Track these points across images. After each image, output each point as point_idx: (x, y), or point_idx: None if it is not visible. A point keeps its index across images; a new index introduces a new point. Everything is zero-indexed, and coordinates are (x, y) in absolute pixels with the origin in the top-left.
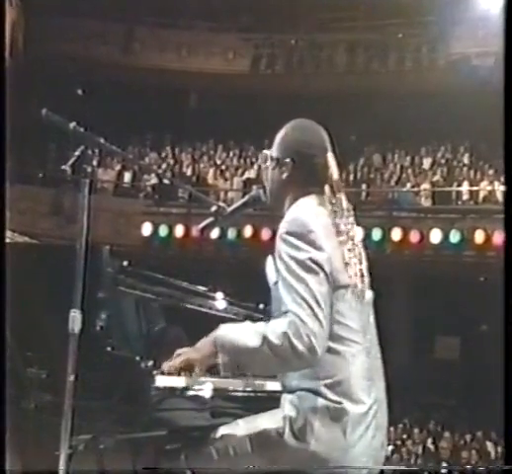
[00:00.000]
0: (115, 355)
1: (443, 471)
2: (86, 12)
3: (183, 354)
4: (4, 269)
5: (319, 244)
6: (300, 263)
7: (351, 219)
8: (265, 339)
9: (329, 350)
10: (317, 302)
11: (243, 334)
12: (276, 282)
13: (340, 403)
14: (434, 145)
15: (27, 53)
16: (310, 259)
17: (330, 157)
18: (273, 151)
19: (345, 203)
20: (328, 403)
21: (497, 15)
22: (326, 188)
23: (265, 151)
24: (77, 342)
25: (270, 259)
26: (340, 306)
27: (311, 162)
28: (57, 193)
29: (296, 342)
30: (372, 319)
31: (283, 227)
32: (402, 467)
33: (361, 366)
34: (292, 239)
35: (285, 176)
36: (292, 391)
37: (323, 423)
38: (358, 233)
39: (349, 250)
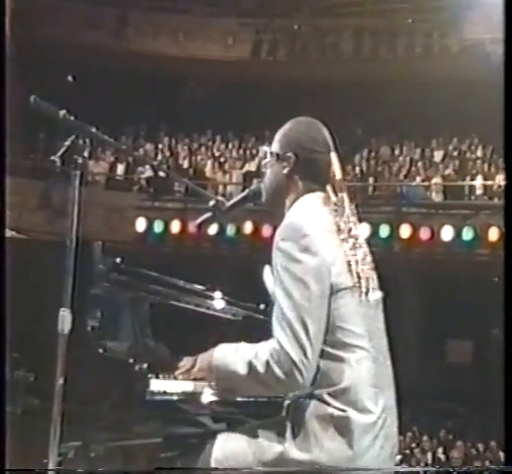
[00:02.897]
0: (107, 358)
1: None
2: None
3: (187, 366)
4: (4, 266)
5: (315, 249)
6: (293, 276)
7: (353, 218)
8: (251, 366)
9: (332, 356)
10: (303, 325)
11: (235, 358)
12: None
13: (344, 411)
14: (446, 137)
15: (13, 37)
16: (304, 271)
17: (334, 156)
18: (273, 147)
19: (347, 203)
20: (332, 410)
21: None
22: (328, 187)
23: (264, 147)
24: (67, 343)
25: (267, 268)
26: (342, 311)
27: (314, 159)
28: (46, 185)
29: (277, 370)
30: (380, 323)
31: (278, 234)
32: (403, 468)
33: (367, 373)
34: (286, 246)
35: (286, 171)
36: (294, 398)
37: (327, 431)
38: (362, 232)
39: (350, 249)
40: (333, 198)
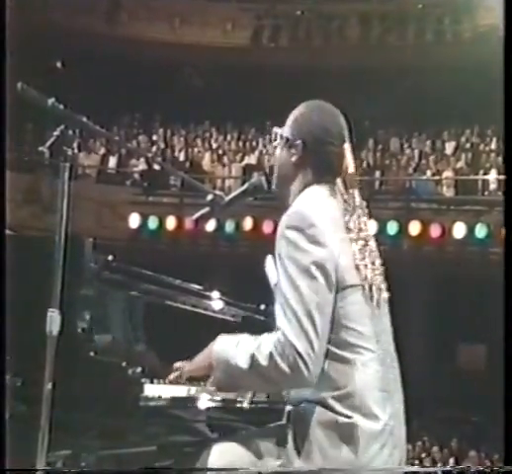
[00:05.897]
0: (98, 361)
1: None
2: None
3: (183, 368)
4: (4, 264)
5: (322, 240)
6: (299, 266)
7: (363, 218)
8: (253, 359)
9: (337, 357)
10: (310, 317)
11: (237, 352)
12: (276, 284)
13: (350, 417)
14: (458, 128)
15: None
16: (311, 262)
17: (347, 148)
18: (284, 130)
19: (358, 200)
20: (337, 417)
21: None
22: (338, 180)
23: (276, 128)
24: (56, 345)
25: (270, 258)
26: (348, 309)
27: (325, 149)
28: (34, 178)
29: (281, 363)
30: (387, 323)
31: (283, 221)
32: (409, 468)
33: (373, 376)
34: (292, 235)
35: (294, 159)
36: (296, 403)
37: (331, 439)
38: (371, 232)
39: (360, 250)
40: (343, 194)
